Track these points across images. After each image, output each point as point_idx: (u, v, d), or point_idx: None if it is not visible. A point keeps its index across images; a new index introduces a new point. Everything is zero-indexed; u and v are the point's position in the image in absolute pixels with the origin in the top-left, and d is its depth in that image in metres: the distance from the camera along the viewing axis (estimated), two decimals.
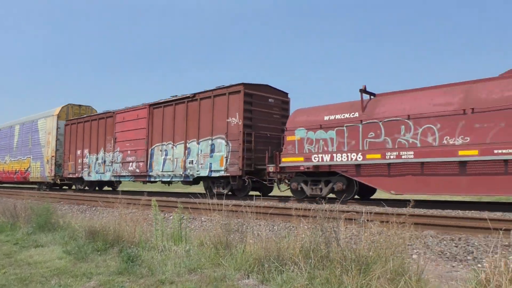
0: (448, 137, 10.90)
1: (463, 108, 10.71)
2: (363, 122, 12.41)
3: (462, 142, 10.66)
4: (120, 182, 23.70)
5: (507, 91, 10.37)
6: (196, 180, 17.35)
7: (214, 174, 16.01)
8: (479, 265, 5.77)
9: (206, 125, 16.38)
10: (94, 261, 6.21)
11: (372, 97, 13.15)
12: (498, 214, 9.46)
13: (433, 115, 11.16)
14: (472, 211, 10.23)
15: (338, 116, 13.08)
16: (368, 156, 12.16)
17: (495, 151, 10.06)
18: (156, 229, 6.85)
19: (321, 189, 13.24)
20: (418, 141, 11.36)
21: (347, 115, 12.92)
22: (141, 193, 18.90)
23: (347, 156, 12.58)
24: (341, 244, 4.61)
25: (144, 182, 20.72)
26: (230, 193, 16.16)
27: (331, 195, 13.62)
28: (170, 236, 7.01)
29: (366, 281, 4.14)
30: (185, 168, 17.08)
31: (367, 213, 4.94)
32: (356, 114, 12.69)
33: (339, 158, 12.73)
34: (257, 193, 16.56)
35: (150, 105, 19.18)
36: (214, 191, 16.29)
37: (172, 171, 17.67)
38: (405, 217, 4.56)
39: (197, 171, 16.57)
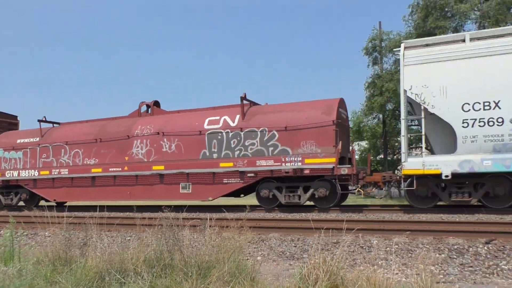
0: (87, 159, 15.09)
1: (96, 138, 15.04)
2: (40, 146, 16.10)
3: (94, 162, 14.90)
4: None
5: (121, 127, 14.82)
6: None
7: None
8: (312, 261, 6.51)
9: None
10: None
11: (56, 125, 17.07)
12: (333, 215, 10.78)
13: (80, 142, 15.32)
14: (313, 213, 11.44)
15: (25, 140, 16.62)
16: (41, 172, 15.86)
17: (110, 169, 14.46)
18: None
19: (12, 199, 16.66)
20: (71, 161, 15.39)
21: (31, 140, 16.45)
22: None
23: (28, 173, 16.19)
24: (184, 251, 4.73)
25: None
26: None
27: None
28: (0, 255, 6.23)
29: (205, 285, 4.33)
30: None
31: (210, 219, 5.18)
32: (37, 139, 16.28)
33: (23, 174, 16.26)
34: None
35: None
36: None
37: None
38: (242, 221, 4.91)
39: None
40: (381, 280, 4.26)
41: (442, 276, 5.61)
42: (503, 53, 10.10)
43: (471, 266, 5.87)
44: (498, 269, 5.72)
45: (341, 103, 12.83)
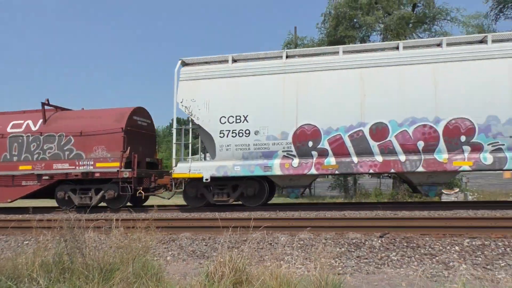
0: None
1: None
2: None
3: None
4: None
5: None
6: None
7: None
8: (219, 259, 6.60)
9: None
10: None
11: None
12: (246, 214, 10.99)
13: None
14: (229, 213, 11.57)
15: None
16: None
17: None
18: None
19: None
20: None
21: None
22: None
23: None
24: (86, 253, 4.53)
25: None
26: None
27: None
28: None
29: (106, 287, 4.19)
30: None
31: (117, 220, 5.02)
32: None
33: None
34: None
35: None
36: None
37: None
38: (148, 221, 4.84)
39: None
40: (284, 274, 4.49)
41: (340, 268, 6.04)
42: (252, 75, 11.76)
43: (366, 258, 6.40)
44: (389, 259, 6.32)
45: (139, 111, 13.91)
